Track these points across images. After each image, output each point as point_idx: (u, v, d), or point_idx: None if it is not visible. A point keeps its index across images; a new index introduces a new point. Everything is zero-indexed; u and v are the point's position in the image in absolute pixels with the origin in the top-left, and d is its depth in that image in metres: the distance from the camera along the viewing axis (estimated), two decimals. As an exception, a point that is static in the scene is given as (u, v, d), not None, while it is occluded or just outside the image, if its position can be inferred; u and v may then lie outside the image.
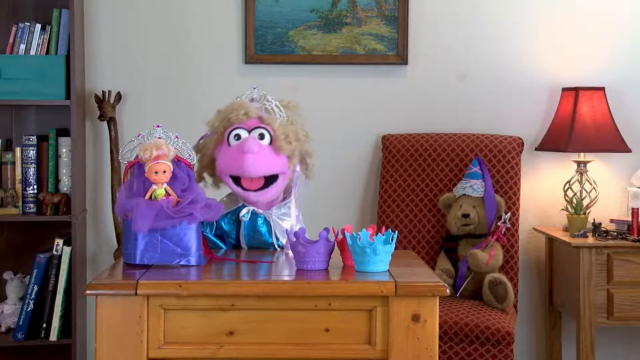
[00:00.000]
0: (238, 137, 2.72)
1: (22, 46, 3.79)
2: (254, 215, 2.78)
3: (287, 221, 2.79)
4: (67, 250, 3.77)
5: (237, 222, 2.80)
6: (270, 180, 2.72)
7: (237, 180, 2.72)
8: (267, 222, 2.79)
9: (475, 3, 4.13)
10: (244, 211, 2.77)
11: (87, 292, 2.29)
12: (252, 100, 2.81)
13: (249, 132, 2.72)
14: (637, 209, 3.73)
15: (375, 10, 4.09)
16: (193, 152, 2.61)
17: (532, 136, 4.12)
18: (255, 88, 2.84)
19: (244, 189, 2.72)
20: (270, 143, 2.72)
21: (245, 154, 2.66)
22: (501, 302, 3.54)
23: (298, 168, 2.80)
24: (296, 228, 2.73)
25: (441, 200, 3.83)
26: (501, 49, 4.14)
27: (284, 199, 2.83)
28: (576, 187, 3.94)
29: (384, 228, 2.58)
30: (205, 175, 2.83)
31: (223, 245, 2.82)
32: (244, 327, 2.31)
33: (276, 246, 2.79)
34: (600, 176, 4.07)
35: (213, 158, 2.78)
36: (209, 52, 4.10)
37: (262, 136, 2.72)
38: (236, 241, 2.82)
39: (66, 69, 3.78)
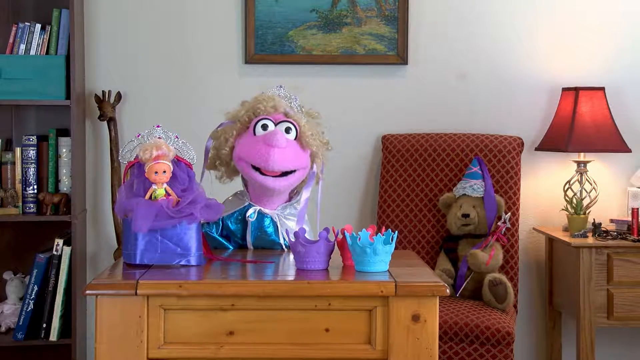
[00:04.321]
0: (265, 127, 2.72)
1: (22, 46, 3.79)
2: (261, 215, 2.76)
3: (293, 221, 2.78)
4: (67, 250, 3.77)
5: (244, 221, 2.78)
6: (288, 172, 2.72)
7: (256, 168, 2.71)
8: (273, 222, 2.78)
9: (475, 3, 4.13)
10: (250, 211, 2.75)
11: (87, 292, 2.29)
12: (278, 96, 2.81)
13: (276, 124, 2.73)
14: (637, 209, 3.73)
15: (375, 10, 4.09)
16: (193, 152, 2.60)
17: (532, 136, 4.12)
18: (280, 87, 2.84)
19: (262, 174, 2.70)
20: (295, 138, 2.73)
21: (272, 147, 2.66)
22: (501, 302, 3.54)
23: (314, 169, 2.80)
24: (299, 226, 2.73)
25: (441, 200, 3.83)
26: (501, 49, 4.14)
27: (291, 198, 2.83)
28: (576, 187, 3.94)
29: (384, 228, 2.58)
30: (217, 164, 2.82)
31: (229, 245, 2.80)
32: (244, 327, 2.31)
33: (283, 246, 2.77)
34: (600, 176, 4.07)
35: (233, 146, 2.76)
36: (209, 52, 4.10)
37: (287, 130, 2.73)
38: (242, 241, 2.80)
39: (66, 69, 3.78)
